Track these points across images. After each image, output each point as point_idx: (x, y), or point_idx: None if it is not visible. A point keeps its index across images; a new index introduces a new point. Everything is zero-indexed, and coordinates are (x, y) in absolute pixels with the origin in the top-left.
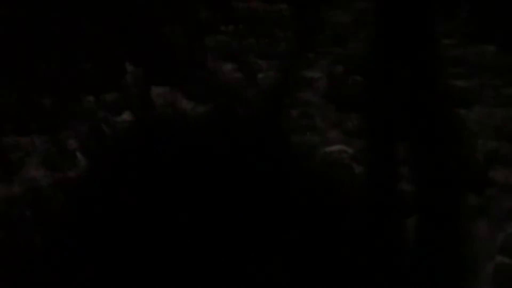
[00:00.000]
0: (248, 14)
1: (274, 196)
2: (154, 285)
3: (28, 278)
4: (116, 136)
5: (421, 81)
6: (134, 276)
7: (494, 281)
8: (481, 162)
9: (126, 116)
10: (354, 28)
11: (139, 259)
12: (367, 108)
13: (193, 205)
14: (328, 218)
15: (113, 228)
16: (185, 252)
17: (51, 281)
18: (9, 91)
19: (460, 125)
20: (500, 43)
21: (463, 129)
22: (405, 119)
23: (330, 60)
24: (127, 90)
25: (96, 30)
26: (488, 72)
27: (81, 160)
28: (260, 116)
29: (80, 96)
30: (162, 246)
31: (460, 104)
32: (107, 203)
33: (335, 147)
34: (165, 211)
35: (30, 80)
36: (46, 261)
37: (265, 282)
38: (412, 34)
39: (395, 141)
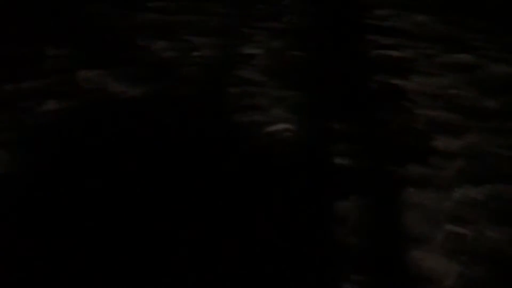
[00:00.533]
0: None
1: (214, 178)
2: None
3: None
4: (39, 128)
5: (356, 53)
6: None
7: (445, 250)
8: (422, 131)
9: (51, 105)
10: (289, 2)
11: (73, 248)
12: (306, 84)
13: (130, 193)
14: (272, 198)
15: (44, 225)
16: (120, 237)
17: None
18: None
19: (398, 95)
20: (432, 12)
21: (402, 99)
22: (343, 92)
23: (267, 36)
24: (50, 76)
25: (8, 11)
26: (422, 42)
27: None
28: (198, 97)
29: None
30: (97, 236)
31: (397, 74)
32: (30, 203)
33: (279, 126)
34: (99, 201)
35: None
36: None
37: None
38: (345, 5)
39: (334, 116)
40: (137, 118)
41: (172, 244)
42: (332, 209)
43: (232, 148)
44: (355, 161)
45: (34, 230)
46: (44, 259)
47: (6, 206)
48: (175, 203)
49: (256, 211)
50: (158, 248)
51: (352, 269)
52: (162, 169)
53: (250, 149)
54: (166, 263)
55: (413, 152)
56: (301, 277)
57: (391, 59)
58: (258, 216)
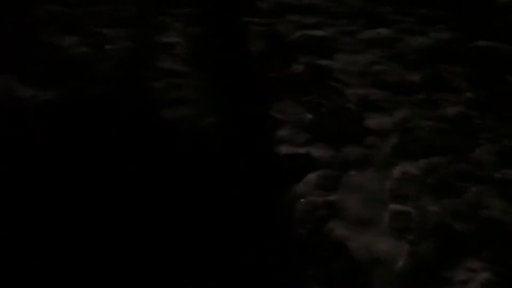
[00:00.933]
0: None
1: (145, 181)
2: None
3: None
4: None
5: (279, 35)
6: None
7: (392, 230)
8: (354, 112)
9: None
10: None
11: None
12: (228, 72)
13: (43, 202)
14: (203, 194)
15: None
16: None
17: None
18: None
19: (326, 76)
20: None
21: (330, 80)
22: (269, 77)
23: (184, 22)
24: None
25: None
26: (343, 19)
27: None
28: (118, 95)
29: None
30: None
31: (322, 54)
32: None
33: (211, 119)
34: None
35: None
36: None
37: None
38: None
39: (263, 103)
40: (50, 125)
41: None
42: (276, 204)
43: (163, 149)
44: (291, 148)
45: None
46: None
47: None
48: (98, 205)
49: (188, 210)
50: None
51: (306, 262)
52: (82, 179)
53: (183, 148)
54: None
55: (349, 134)
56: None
57: (315, 39)
58: (191, 213)
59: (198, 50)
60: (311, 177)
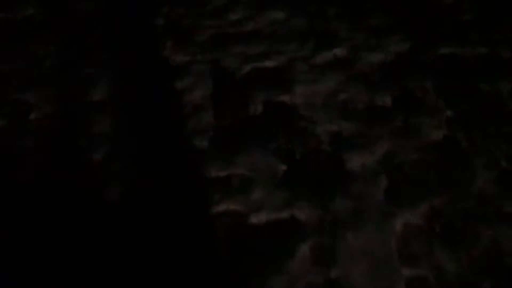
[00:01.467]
0: None
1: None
2: None
3: None
4: None
5: (222, 71)
6: None
7: None
8: (330, 154)
9: None
10: None
11: None
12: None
13: None
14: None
15: None
16: None
17: None
18: None
19: (289, 114)
20: (286, 6)
21: (295, 118)
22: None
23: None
24: None
25: None
26: (290, 43)
27: None
28: (48, 179)
29: None
30: None
31: (279, 89)
32: None
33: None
34: None
35: None
36: None
37: None
38: (198, 9)
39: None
40: None
41: None
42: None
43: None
44: (271, 213)
45: None
46: None
47: None
48: None
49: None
50: None
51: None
52: None
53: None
54: None
55: (332, 184)
56: None
57: (267, 71)
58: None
59: (133, 106)
60: (304, 249)
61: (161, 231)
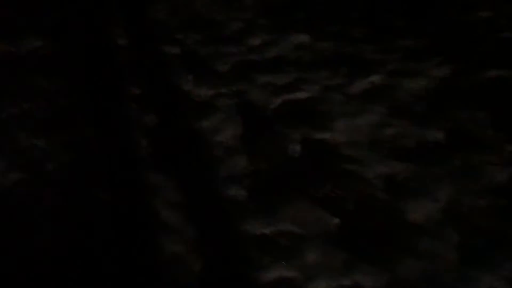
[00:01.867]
0: None
1: None
2: None
3: None
4: None
5: (250, 106)
6: None
7: None
8: (384, 201)
9: None
10: None
11: None
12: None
13: None
14: None
15: None
16: None
17: None
18: None
19: (330, 156)
20: (308, 27)
21: (340, 159)
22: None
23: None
24: None
25: None
26: (321, 70)
27: None
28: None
29: None
30: None
31: (316, 125)
32: None
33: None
34: None
35: None
36: None
37: None
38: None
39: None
40: None
41: None
42: None
43: None
44: (331, 280)
45: None
46: None
47: None
48: None
49: None
50: None
51: None
52: None
53: None
54: None
55: (395, 240)
56: None
57: (300, 104)
58: None
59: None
60: None
61: None
